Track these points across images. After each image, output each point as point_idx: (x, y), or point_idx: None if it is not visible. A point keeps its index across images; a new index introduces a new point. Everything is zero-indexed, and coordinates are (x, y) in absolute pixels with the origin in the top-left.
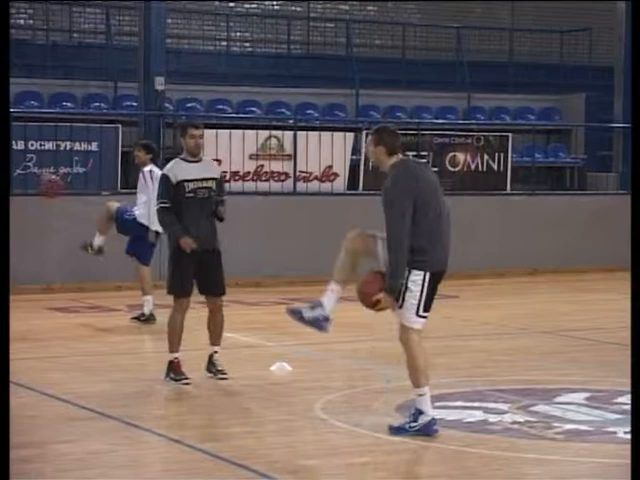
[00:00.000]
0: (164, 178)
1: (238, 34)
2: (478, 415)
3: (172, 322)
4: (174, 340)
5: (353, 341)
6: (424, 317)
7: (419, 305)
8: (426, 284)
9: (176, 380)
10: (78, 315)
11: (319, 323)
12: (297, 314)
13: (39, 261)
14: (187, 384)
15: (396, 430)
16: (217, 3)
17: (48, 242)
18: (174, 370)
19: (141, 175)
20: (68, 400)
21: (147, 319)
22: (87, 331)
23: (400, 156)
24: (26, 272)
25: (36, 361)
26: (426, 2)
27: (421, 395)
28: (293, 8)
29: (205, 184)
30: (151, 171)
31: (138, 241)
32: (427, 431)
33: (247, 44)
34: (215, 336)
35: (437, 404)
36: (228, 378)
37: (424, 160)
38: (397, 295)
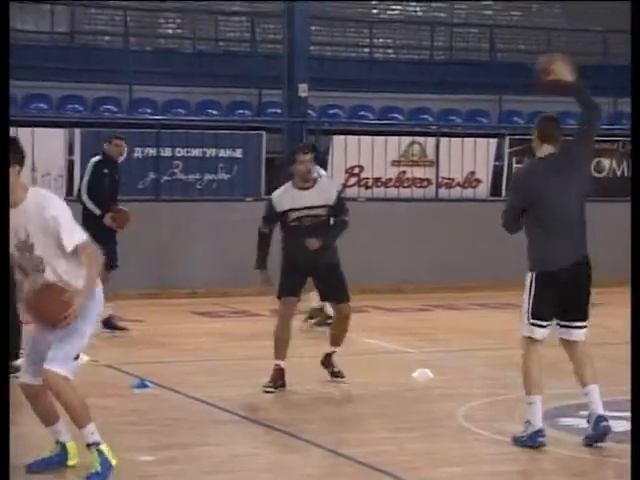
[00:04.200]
0: (269, 203)
1: (381, 40)
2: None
3: (277, 328)
4: (279, 346)
5: (492, 349)
6: (539, 325)
7: (528, 310)
8: (534, 285)
9: (265, 385)
10: (222, 319)
11: (534, 439)
12: (516, 442)
13: (185, 266)
14: (267, 392)
15: (514, 440)
16: (360, 10)
17: (194, 247)
18: (274, 376)
19: None
20: (212, 403)
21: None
22: (231, 335)
23: (550, 148)
24: (172, 277)
25: (181, 364)
26: (571, 4)
27: (530, 404)
28: (436, 14)
29: (312, 212)
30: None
31: None
32: (532, 442)
33: (390, 50)
34: (337, 338)
35: (583, 412)
36: (345, 381)
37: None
38: None
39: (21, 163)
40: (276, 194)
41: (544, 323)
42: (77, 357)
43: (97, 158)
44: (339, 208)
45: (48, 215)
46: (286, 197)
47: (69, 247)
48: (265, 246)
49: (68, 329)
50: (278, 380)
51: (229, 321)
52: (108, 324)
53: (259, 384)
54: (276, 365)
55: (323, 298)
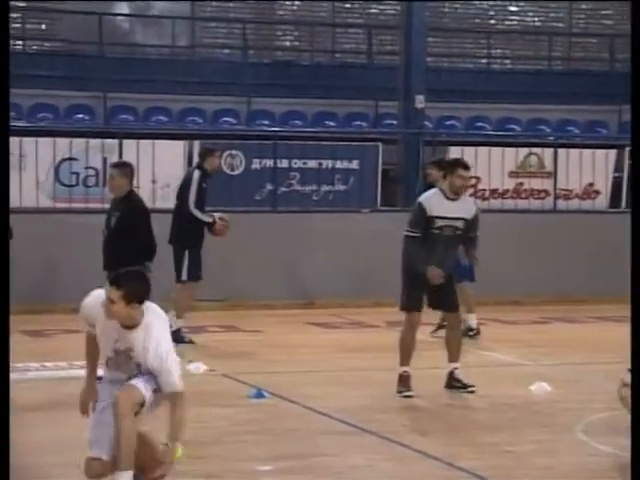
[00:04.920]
0: (420, 207)
1: (498, 51)
2: None
3: (404, 336)
4: (405, 354)
5: (611, 362)
6: None
7: None
8: None
9: (399, 392)
10: (338, 331)
11: None
12: None
13: (301, 277)
14: (409, 396)
15: None
16: (478, 20)
17: (310, 259)
18: (401, 382)
19: None
20: (328, 414)
21: (474, 334)
22: (346, 346)
23: None
24: (288, 288)
25: (297, 375)
26: None
27: None
28: (554, 24)
29: (454, 223)
30: None
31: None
32: None
33: (507, 61)
34: (454, 353)
35: None
36: (475, 391)
37: None
38: None
39: (142, 299)
40: (425, 199)
41: None
42: (155, 391)
43: (199, 173)
44: (474, 223)
45: (155, 354)
46: (435, 203)
47: (166, 390)
48: (421, 249)
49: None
50: (408, 385)
51: (345, 332)
52: (176, 338)
53: (374, 395)
54: (404, 372)
55: (434, 306)
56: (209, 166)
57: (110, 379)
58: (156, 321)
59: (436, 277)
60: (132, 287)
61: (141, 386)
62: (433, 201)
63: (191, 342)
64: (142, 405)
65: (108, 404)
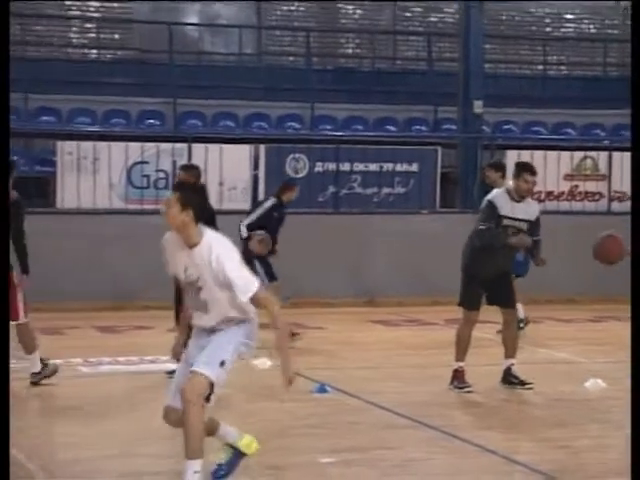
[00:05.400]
0: (491, 204)
1: (554, 57)
2: None
3: (460, 333)
4: (461, 350)
5: None
6: None
7: None
8: None
9: (459, 388)
10: (398, 328)
11: None
12: None
13: (362, 276)
14: (469, 392)
15: None
16: (534, 28)
17: (371, 258)
18: (458, 378)
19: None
20: (388, 408)
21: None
22: (406, 343)
23: None
24: (350, 286)
25: (359, 370)
26: None
27: None
28: (609, 30)
29: (518, 224)
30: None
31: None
32: None
33: (563, 67)
34: (510, 350)
35: None
36: (532, 388)
37: None
38: None
39: (197, 210)
40: (494, 197)
41: None
42: (222, 363)
43: (272, 202)
44: (537, 226)
45: (220, 267)
46: (503, 203)
47: (244, 300)
48: (499, 232)
49: (217, 339)
50: (463, 380)
51: (404, 330)
52: None
53: (433, 391)
54: (459, 367)
55: (490, 302)
56: (286, 198)
57: (195, 331)
58: (217, 241)
59: (524, 242)
60: (187, 193)
61: (208, 369)
62: (501, 201)
63: None
64: (211, 388)
65: (192, 357)
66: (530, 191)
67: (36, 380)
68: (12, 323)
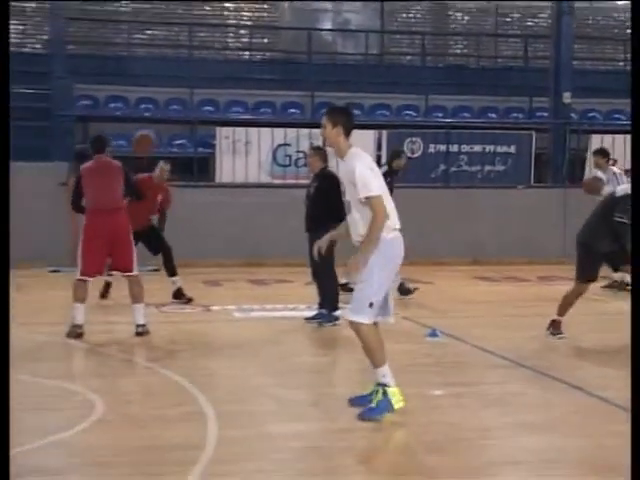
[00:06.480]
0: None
1: None
2: None
3: (569, 296)
4: (564, 308)
5: None
6: None
7: None
8: None
9: (554, 335)
10: (498, 283)
11: None
12: None
13: (467, 240)
14: (563, 338)
15: None
16: (616, 30)
17: (474, 225)
18: (555, 327)
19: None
20: (490, 350)
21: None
22: (506, 296)
23: None
24: (456, 248)
25: (466, 319)
26: None
27: None
28: None
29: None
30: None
31: None
32: None
33: None
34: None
35: None
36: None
37: None
38: None
39: (345, 126)
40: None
41: None
42: (371, 304)
43: (385, 169)
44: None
45: (352, 169)
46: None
47: (360, 196)
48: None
49: (361, 282)
50: (559, 328)
51: (504, 285)
52: (402, 290)
53: (529, 336)
54: (558, 319)
55: (614, 268)
56: (396, 166)
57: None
58: (358, 154)
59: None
60: (335, 112)
61: (353, 313)
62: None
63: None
64: (371, 305)
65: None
66: None
67: (141, 331)
68: (125, 274)
